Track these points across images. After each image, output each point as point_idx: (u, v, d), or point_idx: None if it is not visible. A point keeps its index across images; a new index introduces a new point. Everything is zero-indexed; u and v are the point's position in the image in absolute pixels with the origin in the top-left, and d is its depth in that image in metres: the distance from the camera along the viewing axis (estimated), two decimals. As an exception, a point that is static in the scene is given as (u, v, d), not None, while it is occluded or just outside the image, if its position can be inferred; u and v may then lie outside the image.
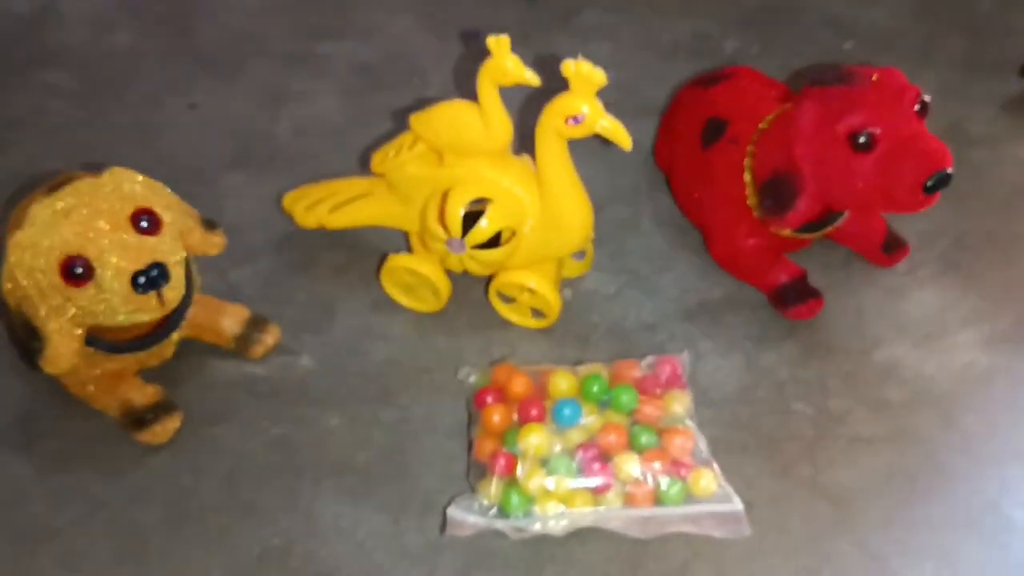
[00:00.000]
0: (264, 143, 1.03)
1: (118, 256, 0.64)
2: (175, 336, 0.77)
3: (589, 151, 0.95)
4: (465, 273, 0.81)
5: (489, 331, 0.83)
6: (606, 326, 0.83)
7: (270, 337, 0.81)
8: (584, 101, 0.70)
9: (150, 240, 0.66)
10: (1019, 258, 0.88)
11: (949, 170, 0.68)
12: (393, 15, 1.19)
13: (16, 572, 0.68)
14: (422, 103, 0.78)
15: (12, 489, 0.73)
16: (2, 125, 1.06)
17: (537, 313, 0.83)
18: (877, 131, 0.69)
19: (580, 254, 0.87)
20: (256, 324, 0.81)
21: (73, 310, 0.66)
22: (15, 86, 1.12)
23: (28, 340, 0.68)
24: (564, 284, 0.86)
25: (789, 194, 0.74)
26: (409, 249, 0.86)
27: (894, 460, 0.73)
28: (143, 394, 0.75)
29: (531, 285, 0.79)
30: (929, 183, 0.68)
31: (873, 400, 0.77)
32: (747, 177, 0.79)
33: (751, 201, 0.79)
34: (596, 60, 0.69)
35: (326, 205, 0.86)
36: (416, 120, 0.77)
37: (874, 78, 0.71)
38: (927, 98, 0.71)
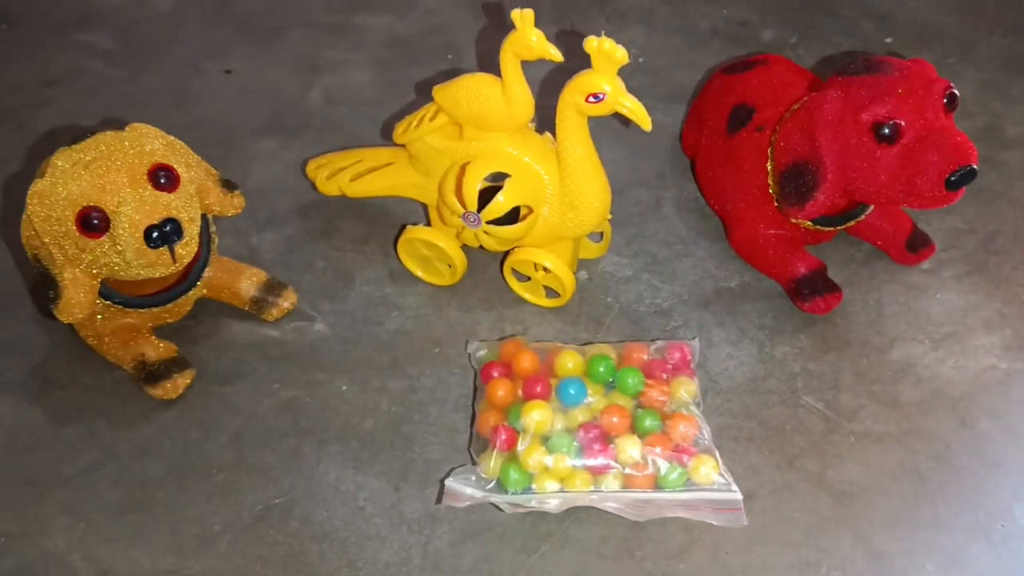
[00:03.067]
0: (296, 111, 1.04)
1: (133, 209, 0.64)
2: (192, 294, 0.78)
3: (614, 135, 0.95)
4: (481, 249, 0.81)
5: (502, 308, 0.83)
6: (620, 309, 0.83)
7: (286, 301, 0.82)
8: (606, 79, 0.69)
9: (166, 196, 0.66)
10: (1049, 264, 0.85)
11: (974, 165, 0.66)
12: (431, -10, 1.20)
13: (23, 516, 0.70)
14: (449, 76, 0.78)
15: (25, 435, 0.74)
16: (42, 82, 1.09)
17: (551, 292, 0.83)
18: (902, 122, 0.68)
19: (598, 236, 0.86)
20: (273, 288, 0.82)
21: (88, 260, 0.67)
22: (56, 45, 1.14)
23: (44, 288, 0.69)
24: (580, 265, 0.85)
25: (809, 183, 0.72)
26: (428, 222, 0.86)
27: (904, 459, 0.72)
28: (157, 350, 0.77)
29: (547, 264, 0.79)
30: (952, 178, 0.67)
31: (887, 398, 0.75)
32: (770, 165, 0.78)
33: (773, 190, 0.78)
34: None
35: (348, 173, 0.86)
36: (439, 92, 0.77)
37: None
38: (956, 92, 0.69)
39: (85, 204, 0.65)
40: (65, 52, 1.13)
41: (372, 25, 1.15)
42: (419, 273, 0.85)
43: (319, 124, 1.02)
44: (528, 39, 0.70)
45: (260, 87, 1.08)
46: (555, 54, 0.70)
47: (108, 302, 0.74)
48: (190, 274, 0.76)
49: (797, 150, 0.73)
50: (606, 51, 0.68)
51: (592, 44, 0.68)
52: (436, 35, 1.14)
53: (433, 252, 0.83)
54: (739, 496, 0.66)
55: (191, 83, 1.08)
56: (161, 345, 0.77)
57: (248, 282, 0.81)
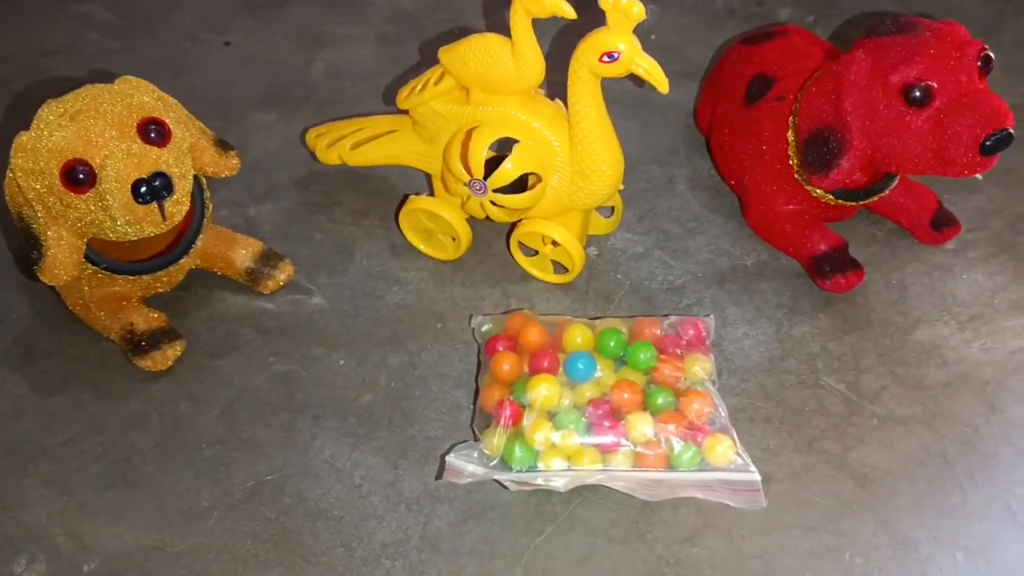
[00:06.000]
0: (297, 84, 1.01)
1: (121, 163, 0.61)
2: (184, 263, 0.74)
3: (626, 111, 0.92)
4: (487, 220, 0.77)
5: (507, 285, 0.80)
6: (631, 286, 0.79)
7: (282, 273, 0.79)
8: (621, 38, 0.66)
9: (156, 151, 0.63)
10: (1079, 246, 0.82)
11: (1010, 129, 0.63)
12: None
13: (3, 487, 0.66)
14: (455, 39, 0.75)
15: (7, 405, 0.71)
16: (39, 53, 1.06)
17: (559, 268, 0.79)
18: (934, 85, 0.64)
19: (608, 210, 0.83)
20: (269, 259, 0.79)
21: (73, 217, 0.63)
22: (54, 16, 1.11)
23: (28, 249, 0.66)
24: (589, 242, 0.82)
25: (834, 150, 0.69)
26: (431, 193, 0.83)
27: (930, 443, 0.68)
28: (146, 319, 0.73)
29: (555, 236, 0.75)
30: (988, 142, 0.63)
31: (911, 380, 0.72)
32: (791, 136, 0.74)
33: (793, 161, 0.74)
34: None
35: (348, 141, 0.83)
36: (445, 53, 0.73)
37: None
38: (991, 54, 0.65)
39: (70, 157, 0.61)
40: (62, 23, 1.10)
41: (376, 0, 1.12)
42: (421, 247, 0.82)
43: (320, 97, 0.99)
44: (540, -5, 0.66)
45: (260, 59, 1.04)
46: (568, 10, 0.67)
47: (95, 268, 0.70)
48: (182, 241, 0.73)
49: (821, 115, 0.70)
50: (622, 7, 0.64)
51: (608, 1, 0.65)
52: (441, 10, 1.10)
53: (436, 224, 0.79)
54: (757, 477, 0.63)
55: (189, 55, 1.05)
56: (151, 315, 0.74)
57: (243, 252, 0.78)
